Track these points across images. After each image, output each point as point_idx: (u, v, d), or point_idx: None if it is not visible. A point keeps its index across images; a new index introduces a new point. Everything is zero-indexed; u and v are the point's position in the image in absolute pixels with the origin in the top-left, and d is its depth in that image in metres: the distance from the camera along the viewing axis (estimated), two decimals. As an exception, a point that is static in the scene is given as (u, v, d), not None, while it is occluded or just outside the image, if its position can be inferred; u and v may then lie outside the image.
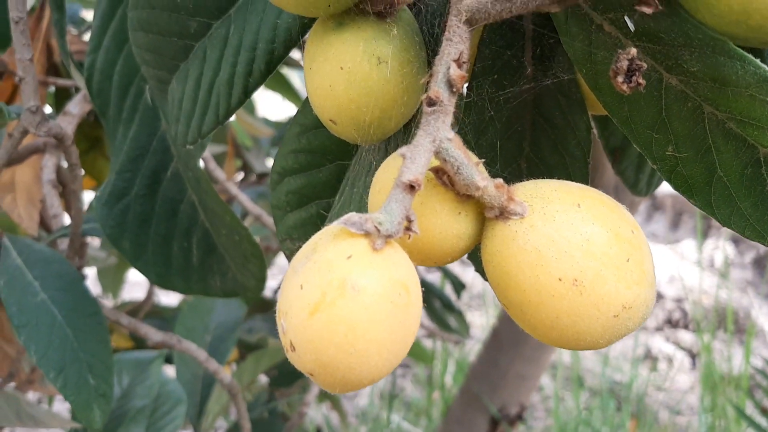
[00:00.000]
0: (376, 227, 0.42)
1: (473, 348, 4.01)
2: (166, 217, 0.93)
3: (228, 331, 1.88)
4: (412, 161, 0.44)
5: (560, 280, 0.44)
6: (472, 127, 0.62)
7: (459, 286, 2.50)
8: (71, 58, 0.98)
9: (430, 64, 0.57)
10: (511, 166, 0.65)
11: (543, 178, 0.63)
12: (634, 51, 0.43)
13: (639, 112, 0.49)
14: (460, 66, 0.44)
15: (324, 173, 0.67)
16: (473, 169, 0.45)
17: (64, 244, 1.25)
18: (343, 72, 0.51)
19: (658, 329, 4.74)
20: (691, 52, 0.44)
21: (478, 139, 0.63)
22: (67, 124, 1.30)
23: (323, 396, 2.53)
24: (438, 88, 0.44)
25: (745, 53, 0.42)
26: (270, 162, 2.37)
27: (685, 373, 4.31)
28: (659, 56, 0.46)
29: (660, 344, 4.52)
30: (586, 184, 0.63)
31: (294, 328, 0.42)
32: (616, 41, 0.48)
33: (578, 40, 0.50)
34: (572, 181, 0.63)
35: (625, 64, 0.43)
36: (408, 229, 0.45)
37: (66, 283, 1.01)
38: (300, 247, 0.74)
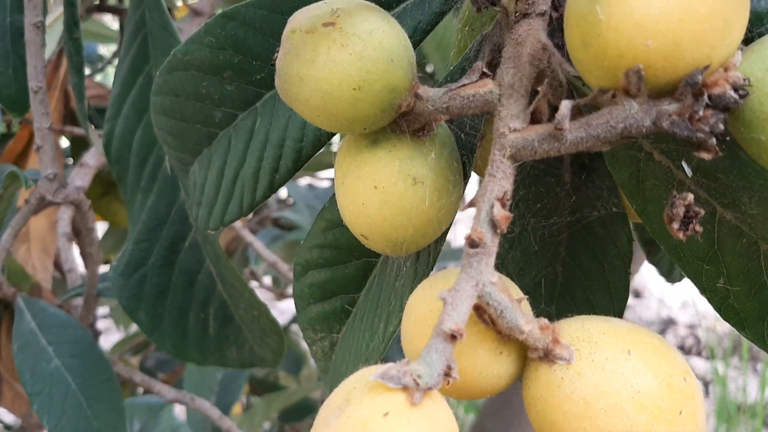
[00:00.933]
0: (415, 380, 0.40)
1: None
2: (183, 287, 0.91)
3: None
4: (454, 308, 0.41)
5: (609, 433, 0.41)
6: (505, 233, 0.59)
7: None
8: (88, 120, 0.97)
9: (466, 173, 0.55)
10: (546, 270, 0.62)
11: (579, 283, 0.61)
12: (691, 197, 0.40)
13: (689, 242, 0.47)
14: (504, 205, 0.42)
15: (350, 269, 0.65)
16: (517, 312, 0.43)
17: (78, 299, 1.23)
18: (378, 191, 0.49)
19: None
20: (750, 195, 0.41)
21: (512, 245, 0.60)
22: (84, 175, 1.29)
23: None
24: (481, 229, 0.42)
25: (812, 203, 0.39)
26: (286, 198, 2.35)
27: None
28: (714, 192, 0.44)
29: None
30: (627, 292, 0.60)
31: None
32: (667, 171, 0.45)
33: (626, 166, 0.47)
34: (612, 288, 0.60)
35: (681, 210, 0.40)
36: (447, 375, 0.42)
37: (80, 349, 0.99)
38: (323, 339, 0.72)
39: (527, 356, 0.45)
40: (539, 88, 0.44)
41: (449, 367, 0.42)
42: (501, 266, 0.62)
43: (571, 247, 0.61)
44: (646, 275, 4.88)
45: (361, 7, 0.46)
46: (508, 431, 2.45)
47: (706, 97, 0.38)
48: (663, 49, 0.38)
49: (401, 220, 0.49)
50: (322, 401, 0.45)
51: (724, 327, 4.57)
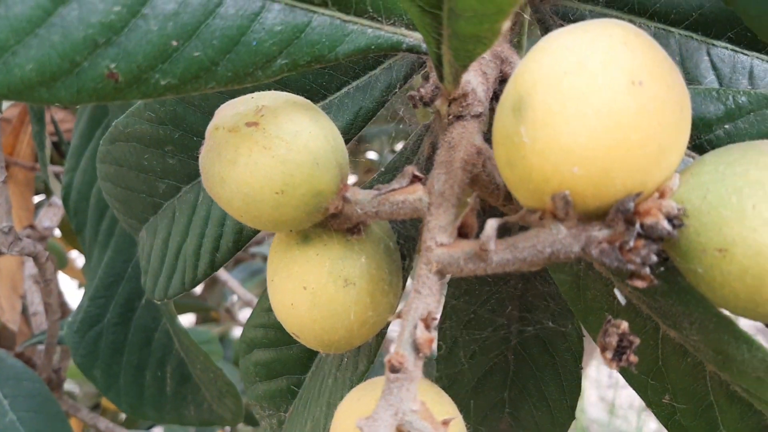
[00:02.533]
0: None
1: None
2: (140, 346, 0.88)
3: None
4: (370, 440, 0.38)
5: None
6: (456, 320, 0.57)
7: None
8: (48, 174, 0.94)
9: (409, 268, 0.52)
10: (498, 358, 0.60)
11: (531, 373, 0.58)
12: (625, 326, 0.37)
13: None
14: (428, 326, 0.39)
15: (294, 350, 0.62)
16: (441, 439, 0.40)
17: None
18: (307, 292, 0.46)
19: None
20: (690, 322, 0.39)
21: (463, 332, 0.58)
22: (52, 216, 1.26)
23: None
24: (403, 352, 0.39)
25: (752, 338, 0.37)
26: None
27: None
28: (656, 311, 0.41)
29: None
30: (579, 387, 0.58)
31: None
32: (608, 283, 0.43)
33: (566, 274, 0.45)
34: (563, 381, 0.58)
35: (614, 339, 0.37)
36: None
37: (37, 403, 0.96)
38: (271, 416, 0.69)
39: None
40: (469, 200, 0.41)
41: (368, 500, 0.39)
42: (452, 350, 0.59)
43: (522, 336, 0.58)
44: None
45: (288, 106, 0.44)
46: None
47: (638, 226, 0.36)
48: (591, 176, 0.35)
49: (332, 323, 0.47)
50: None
51: None
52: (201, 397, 0.91)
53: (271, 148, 0.42)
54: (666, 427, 0.46)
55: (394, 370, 0.39)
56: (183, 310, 1.93)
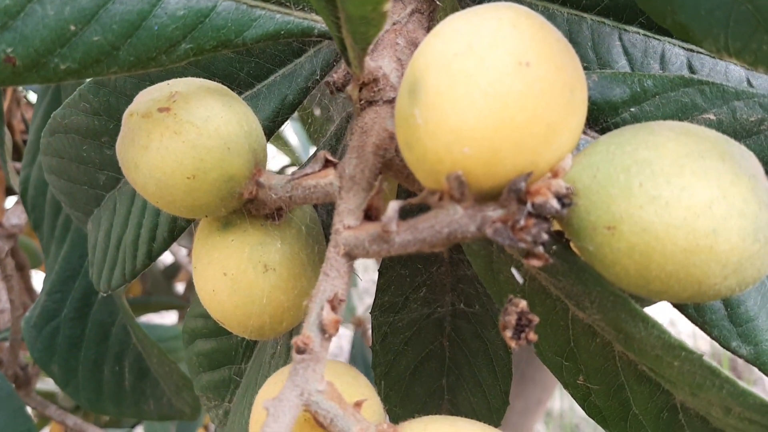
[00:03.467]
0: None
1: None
2: (97, 340, 0.89)
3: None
4: (275, 420, 0.39)
5: None
6: (388, 306, 0.57)
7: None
8: (11, 171, 0.95)
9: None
10: (433, 344, 0.60)
11: (466, 359, 0.59)
12: (523, 304, 0.38)
13: (546, 337, 0.45)
14: (335, 308, 0.40)
15: (234, 340, 0.63)
16: (350, 420, 0.40)
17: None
18: (227, 278, 0.47)
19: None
20: (591, 301, 0.39)
21: (395, 318, 0.58)
22: (20, 213, 1.26)
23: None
24: (309, 333, 0.40)
25: (647, 315, 0.37)
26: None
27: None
28: (562, 291, 0.41)
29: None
30: (510, 371, 0.58)
31: None
32: (519, 264, 0.43)
33: (480, 256, 0.45)
34: (496, 366, 0.58)
35: (513, 318, 0.38)
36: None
37: (-2, 399, 0.96)
38: (216, 406, 0.69)
39: (370, 461, 0.43)
40: (376, 183, 0.42)
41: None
42: (386, 338, 0.59)
43: (455, 322, 0.58)
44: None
45: (201, 91, 0.44)
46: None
47: (529, 205, 0.36)
48: (481, 156, 0.36)
49: (253, 309, 0.47)
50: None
51: (704, 345, 4.54)
52: (160, 392, 0.91)
53: (182, 133, 0.43)
54: (583, 408, 0.47)
55: (300, 351, 0.40)
56: (165, 308, 1.93)
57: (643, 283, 0.36)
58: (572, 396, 0.46)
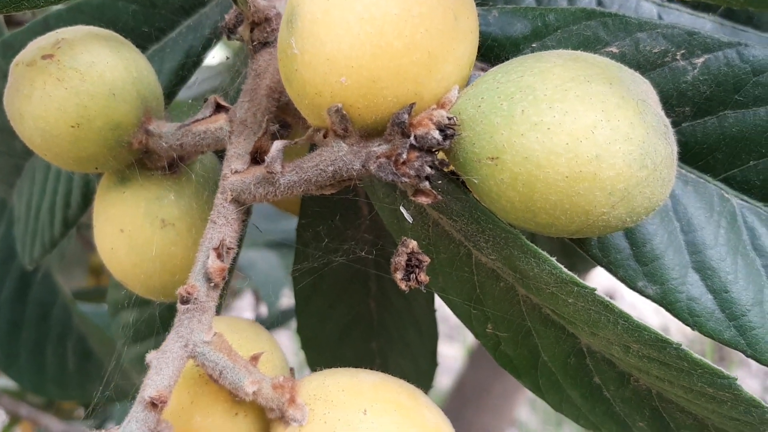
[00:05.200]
0: (109, 454, 0.36)
1: (441, 380, 3.93)
2: (38, 321, 0.87)
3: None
4: (157, 372, 0.37)
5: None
6: (309, 270, 0.56)
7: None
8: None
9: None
10: (359, 307, 0.58)
11: (393, 320, 0.57)
12: (414, 244, 0.36)
13: (453, 285, 0.43)
14: (221, 256, 0.38)
15: (155, 309, 0.61)
16: (241, 372, 0.39)
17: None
18: (124, 235, 0.45)
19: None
20: (486, 239, 0.38)
21: (316, 282, 0.57)
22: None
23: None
24: (194, 282, 0.38)
25: (539, 251, 0.36)
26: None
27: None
28: (462, 233, 0.40)
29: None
30: (435, 330, 0.57)
31: None
32: (422, 210, 0.42)
33: (386, 204, 0.44)
34: (421, 325, 0.57)
35: (404, 258, 0.36)
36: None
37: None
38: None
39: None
40: (263, 124, 0.40)
41: (162, 435, 0.38)
42: (310, 301, 0.58)
43: (380, 282, 0.57)
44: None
45: (88, 38, 0.42)
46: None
47: (411, 138, 0.34)
48: (359, 86, 0.34)
49: (154, 267, 0.45)
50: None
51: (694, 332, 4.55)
52: (105, 373, 0.89)
53: (64, 79, 0.41)
54: (495, 359, 0.45)
55: (185, 301, 0.38)
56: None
57: (530, 216, 0.35)
58: (485, 347, 0.45)
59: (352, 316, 0.57)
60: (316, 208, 0.53)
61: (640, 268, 0.41)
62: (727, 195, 0.42)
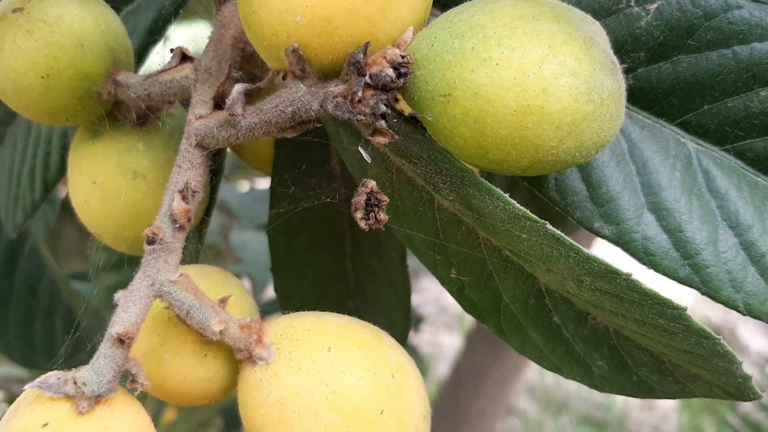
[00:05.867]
0: (79, 388, 0.37)
1: (440, 369, 3.94)
2: (26, 295, 0.88)
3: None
4: (125, 310, 0.38)
5: (303, 438, 0.39)
6: (284, 225, 0.57)
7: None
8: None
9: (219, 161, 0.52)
10: (335, 266, 0.60)
11: (368, 279, 0.58)
12: (373, 184, 0.37)
13: (418, 232, 0.44)
14: (185, 198, 0.39)
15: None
16: (208, 312, 0.40)
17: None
18: (96, 187, 0.46)
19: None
20: (443, 180, 0.39)
21: (291, 240, 0.58)
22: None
23: None
24: (160, 224, 0.39)
25: (493, 187, 0.37)
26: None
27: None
28: (423, 177, 0.41)
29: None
30: (408, 288, 0.58)
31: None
32: (385, 158, 0.43)
33: (351, 154, 0.45)
34: (394, 283, 0.58)
35: (363, 198, 0.37)
36: (134, 381, 0.40)
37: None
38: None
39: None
40: (225, 70, 0.41)
41: (130, 372, 0.39)
42: (285, 259, 0.59)
43: (354, 241, 0.58)
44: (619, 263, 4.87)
45: (57, -9, 0.43)
46: (456, 430, 2.43)
47: (366, 76, 0.35)
48: (314, 25, 0.35)
49: (126, 218, 0.47)
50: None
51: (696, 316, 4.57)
52: (93, 345, 0.90)
53: (34, 31, 0.42)
54: (460, 303, 0.46)
55: (151, 241, 0.39)
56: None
57: (482, 152, 0.36)
58: (449, 292, 0.46)
59: (328, 276, 0.58)
60: (287, 165, 0.54)
61: (596, 209, 0.42)
62: (683, 139, 0.43)
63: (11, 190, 0.64)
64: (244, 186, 2.49)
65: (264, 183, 2.51)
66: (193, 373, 0.42)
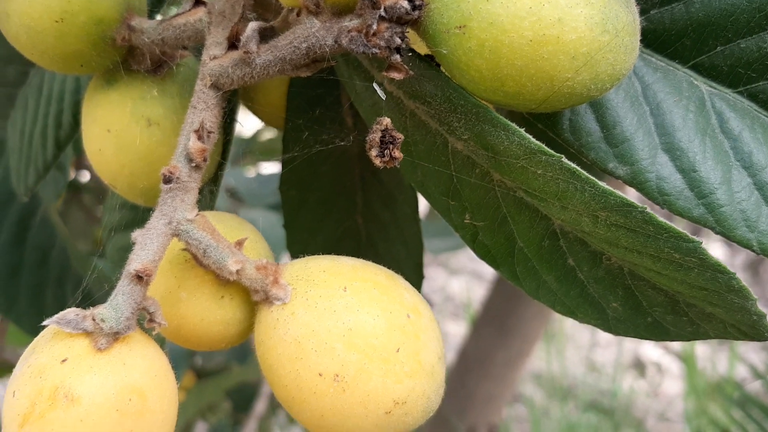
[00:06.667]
0: (98, 324, 0.37)
1: (446, 357, 3.95)
2: (37, 265, 0.88)
3: (180, 357, 1.82)
4: (143, 248, 0.39)
5: (321, 375, 0.39)
6: (296, 181, 0.57)
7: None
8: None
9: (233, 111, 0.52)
10: (347, 222, 0.60)
11: (380, 235, 0.58)
12: (387, 121, 0.38)
13: (431, 177, 0.44)
14: (200, 137, 0.40)
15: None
16: (224, 252, 0.40)
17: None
18: (111, 135, 0.46)
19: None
20: (458, 118, 0.39)
21: (304, 195, 0.58)
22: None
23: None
24: (176, 163, 0.39)
25: (508, 122, 0.37)
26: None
27: (674, 379, 4.25)
28: (437, 119, 0.41)
29: (649, 351, 4.45)
30: (420, 242, 0.58)
31: (5, 442, 0.37)
32: (399, 102, 0.43)
33: (364, 99, 0.45)
34: (407, 238, 0.58)
35: (378, 135, 0.38)
36: (151, 321, 0.40)
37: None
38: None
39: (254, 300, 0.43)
40: (239, 10, 0.41)
41: (148, 311, 0.39)
42: (298, 214, 0.59)
43: (366, 196, 0.58)
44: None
45: (70, -63, 0.43)
46: (463, 414, 2.44)
47: (381, 9, 0.36)
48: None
49: (141, 166, 0.47)
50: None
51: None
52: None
53: (47, -25, 0.42)
54: (474, 250, 0.46)
55: (168, 180, 0.39)
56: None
57: (498, 85, 0.36)
58: (463, 239, 0.46)
59: (341, 232, 0.59)
60: (299, 120, 0.54)
61: (610, 149, 0.42)
62: (696, 82, 0.43)
63: (23, 151, 0.65)
64: (250, 171, 2.51)
65: (270, 168, 2.52)
66: (210, 315, 0.42)
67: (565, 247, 0.42)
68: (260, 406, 2.10)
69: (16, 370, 0.39)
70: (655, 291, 0.42)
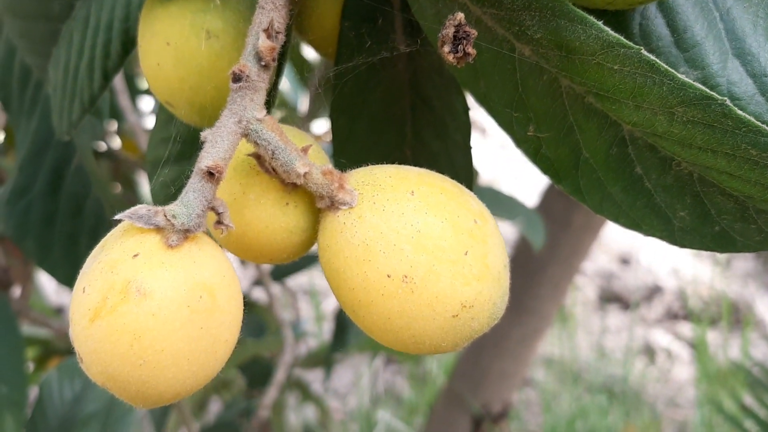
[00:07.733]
0: (169, 221, 0.37)
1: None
2: (71, 214, 0.88)
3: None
4: (213, 145, 0.38)
5: (389, 276, 0.39)
6: (346, 108, 0.57)
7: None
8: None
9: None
10: (395, 154, 0.59)
11: (428, 165, 0.58)
12: (461, 16, 0.37)
13: (495, 88, 0.44)
14: (270, 36, 0.39)
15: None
16: (292, 154, 0.40)
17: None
18: (170, 48, 0.46)
19: (658, 321, 4.66)
20: (531, 16, 0.38)
21: (353, 124, 0.57)
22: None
23: (306, 396, 2.49)
24: (245, 62, 0.39)
25: (586, 15, 0.36)
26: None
27: (684, 365, 4.25)
28: (505, 23, 0.41)
29: (659, 337, 4.45)
30: (471, 172, 0.58)
31: (77, 336, 0.37)
32: (464, 7, 0.42)
33: (428, 10, 0.44)
34: (457, 167, 0.58)
35: (451, 31, 0.37)
36: (219, 223, 0.40)
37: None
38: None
39: (318, 208, 0.43)
40: None
41: (217, 212, 0.39)
42: (348, 143, 0.58)
43: (415, 126, 0.58)
44: (634, 243, 4.86)
45: None
46: (477, 391, 2.44)
47: None
48: None
49: (199, 80, 0.46)
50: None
51: (711, 294, 4.55)
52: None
53: None
54: (536, 164, 0.46)
55: (237, 78, 0.39)
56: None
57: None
58: (525, 153, 0.46)
59: (389, 163, 0.58)
60: (351, 44, 0.54)
61: (681, 54, 0.41)
62: (766, -11, 0.42)
63: (66, 88, 0.64)
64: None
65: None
66: (274, 222, 0.42)
67: (633, 154, 0.42)
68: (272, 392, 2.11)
69: (85, 267, 0.39)
70: (725, 197, 0.41)
